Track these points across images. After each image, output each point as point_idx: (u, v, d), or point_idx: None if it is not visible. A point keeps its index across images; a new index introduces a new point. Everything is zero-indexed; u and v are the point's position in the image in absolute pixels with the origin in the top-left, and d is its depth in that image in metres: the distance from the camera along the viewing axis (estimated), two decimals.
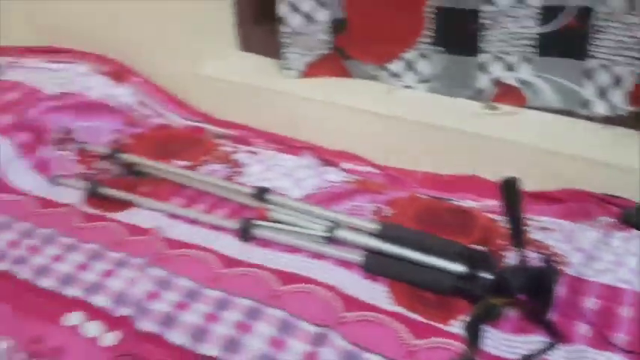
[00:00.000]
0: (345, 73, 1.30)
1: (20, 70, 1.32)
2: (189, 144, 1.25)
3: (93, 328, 0.84)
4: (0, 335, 0.83)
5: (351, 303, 0.86)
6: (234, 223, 1.01)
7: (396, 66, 1.24)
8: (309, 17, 1.24)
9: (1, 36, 1.46)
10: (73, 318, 0.85)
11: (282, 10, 1.24)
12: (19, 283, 0.91)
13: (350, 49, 1.26)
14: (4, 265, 0.94)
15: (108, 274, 0.92)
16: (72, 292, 0.89)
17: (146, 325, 0.83)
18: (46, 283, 0.91)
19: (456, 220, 1.00)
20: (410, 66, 1.23)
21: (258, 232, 0.99)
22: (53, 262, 0.94)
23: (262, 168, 1.18)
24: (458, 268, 0.86)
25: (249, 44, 1.45)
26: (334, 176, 1.16)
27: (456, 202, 1.05)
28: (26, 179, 1.14)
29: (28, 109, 1.20)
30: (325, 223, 0.98)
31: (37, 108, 1.21)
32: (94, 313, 0.86)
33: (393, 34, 1.20)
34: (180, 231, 1.02)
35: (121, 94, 1.35)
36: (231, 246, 0.98)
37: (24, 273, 0.92)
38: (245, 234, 0.98)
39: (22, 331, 0.84)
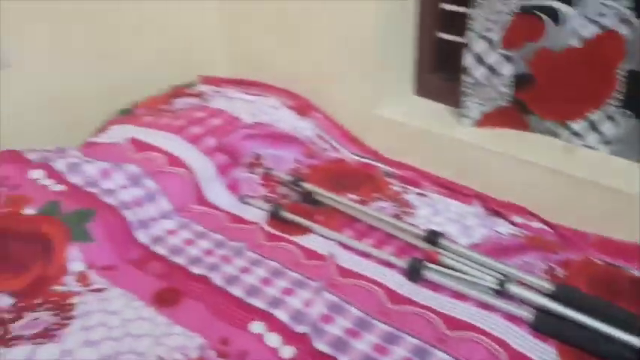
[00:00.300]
0: (522, 127, 1.31)
1: (222, 99, 1.49)
2: (362, 180, 1.32)
3: (274, 339, 0.92)
4: (195, 332, 0.94)
5: (518, 359, 0.86)
6: (403, 262, 1.06)
7: (578, 125, 1.22)
8: (492, 70, 1.27)
9: (206, 67, 1.67)
10: (257, 327, 0.94)
11: (468, 61, 1.29)
12: (213, 288, 1.02)
13: (531, 103, 1.27)
14: (201, 269, 1.07)
15: (288, 291, 1.01)
16: (257, 302, 0.99)
17: (321, 346, 0.90)
18: (235, 291, 1.01)
19: (635, 291, 0.96)
20: (593, 126, 1.21)
21: (427, 274, 1.02)
22: (241, 273, 1.05)
23: (431, 211, 1.22)
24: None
25: (425, 90, 1.51)
26: (504, 228, 1.17)
27: (634, 272, 1.01)
28: (220, 196, 1.29)
29: (228, 134, 1.36)
30: (495, 275, 1.00)
31: (235, 134, 1.36)
32: (275, 325, 0.94)
33: (580, 93, 1.19)
34: (351, 261, 1.09)
35: (303, 127, 1.47)
36: (398, 283, 1.03)
37: (217, 279, 1.04)
38: (414, 274, 1.03)
39: (213, 331, 0.95)
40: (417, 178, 1.35)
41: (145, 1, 1.52)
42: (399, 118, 1.44)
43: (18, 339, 0.92)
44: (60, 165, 1.21)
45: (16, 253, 1.04)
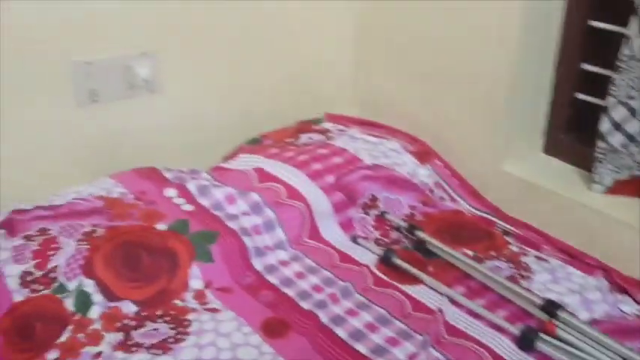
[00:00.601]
0: None
1: (345, 138, 1.53)
2: (479, 235, 1.29)
3: None
4: None
5: None
6: (515, 329, 1.01)
7: None
8: (631, 138, 1.21)
9: (333, 104, 1.73)
10: None
11: (605, 126, 1.23)
12: (319, 325, 1.04)
13: None
14: (309, 305, 1.09)
15: (392, 341, 1.00)
16: (360, 347, 0.99)
17: None
18: (340, 332, 1.02)
19: None
20: None
21: (540, 345, 0.98)
22: (347, 315, 1.06)
23: (550, 278, 1.17)
24: None
25: (555, 149, 1.45)
26: (629, 307, 1.09)
27: None
28: (332, 233, 1.31)
29: (347, 174, 1.39)
30: (615, 358, 0.93)
31: (355, 174, 1.39)
32: None
33: None
34: (460, 319, 1.06)
35: (423, 173, 1.46)
36: (508, 350, 0.99)
37: (324, 317, 1.06)
38: (526, 343, 0.98)
39: None
40: (537, 240, 1.30)
41: (280, 40, 1.61)
42: (524, 176, 1.40)
43: (138, 346, 0.99)
44: (192, 186, 1.30)
45: (145, 265, 1.12)
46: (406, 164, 1.47)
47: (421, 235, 1.26)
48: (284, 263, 1.22)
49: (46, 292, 1.05)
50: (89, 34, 1.33)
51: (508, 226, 1.34)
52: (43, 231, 1.15)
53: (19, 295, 1.03)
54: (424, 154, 1.52)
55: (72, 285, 1.06)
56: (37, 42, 1.27)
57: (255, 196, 1.29)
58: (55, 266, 1.08)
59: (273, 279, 1.17)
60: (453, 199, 1.45)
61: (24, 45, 1.26)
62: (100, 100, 1.38)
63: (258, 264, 1.20)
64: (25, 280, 1.06)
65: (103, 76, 1.37)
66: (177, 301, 1.09)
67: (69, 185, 1.30)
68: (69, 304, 1.04)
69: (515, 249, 1.25)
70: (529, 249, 1.26)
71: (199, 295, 1.11)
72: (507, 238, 1.29)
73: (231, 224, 1.23)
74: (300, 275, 1.18)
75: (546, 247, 1.27)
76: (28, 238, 1.13)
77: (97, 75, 1.36)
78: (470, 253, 1.23)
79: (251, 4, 1.52)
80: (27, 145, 1.33)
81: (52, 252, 1.11)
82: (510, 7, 1.32)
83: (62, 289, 1.06)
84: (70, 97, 1.35)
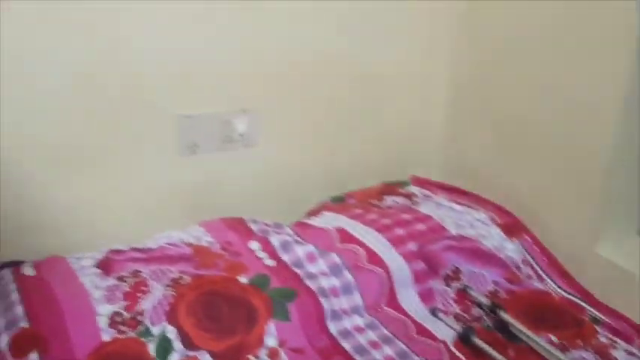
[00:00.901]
0: None
1: (431, 204, 1.52)
2: (566, 320, 1.23)
3: None
4: None
5: None
6: None
7: None
8: None
9: (419, 168, 1.73)
10: None
11: None
12: None
13: None
14: None
15: None
16: None
17: None
18: None
19: None
20: None
21: None
22: None
23: None
24: None
25: None
26: None
27: None
28: (411, 303, 1.29)
29: (430, 242, 1.37)
30: None
31: (438, 244, 1.37)
32: None
33: None
34: None
35: (510, 248, 1.42)
36: None
37: None
38: None
39: None
40: (630, 332, 1.21)
41: (373, 101, 1.65)
42: (619, 261, 1.32)
43: None
44: (275, 240, 1.34)
45: (225, 317, 1.15)
46: (493, 237, 1.43)
47: (504, 316, 1.21)
48: (359, 329, 1.21)
49: (132, 334, 1.10)
50: (194, 90, 1.43)
51: (599, 314, 1.26)
52: (135, 273, 1.21)
53: (106, 335, 1.09)
54: (513, 227, 1.48)
55: (156, 330, 1.11)
56: (147, 94, 1.38)
57: (335, 257, 1.30)
58: (143, 310, 1.13)
59: (347, 345, 1.16)
60: (540, 279, 1.39)
61: (137, 95, 1.37)
62: (199, 152, 1.46)
63: (333, 327, 1.20)
64: (114, 320, 1.11)
65: (204, 130, 1.45)
66: (251, 357, 1.10)
67: (165, 227, 1.37)
68: (151, 348, 1.08)
69: (604, 340, 1.18)
70: (620, 341, 1.18)
71: (273, 354, 1.12)
72: (597, 327, 1.21)
73: (310, 283, 1.24)
74: (374, 345, 1.17)
75: (639, 341, 1.18)
76: (121, 278, 1.19)
77: (199, 128, 1.44)
78: (555, 339, 1.17)
79: (346, 67, 1.58)
80: (130, 189, 1.43)
81: (141, 295, 1.16)
82: (611, 84, 1.28)
83: (147, 333, 1.10)
84: (172, 147, 1.44)
